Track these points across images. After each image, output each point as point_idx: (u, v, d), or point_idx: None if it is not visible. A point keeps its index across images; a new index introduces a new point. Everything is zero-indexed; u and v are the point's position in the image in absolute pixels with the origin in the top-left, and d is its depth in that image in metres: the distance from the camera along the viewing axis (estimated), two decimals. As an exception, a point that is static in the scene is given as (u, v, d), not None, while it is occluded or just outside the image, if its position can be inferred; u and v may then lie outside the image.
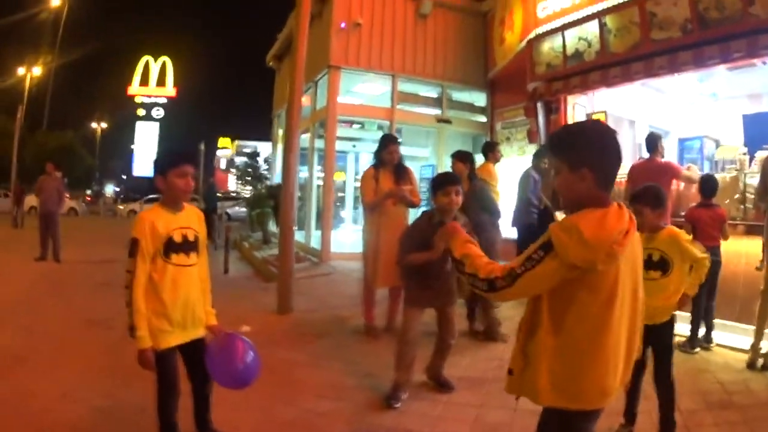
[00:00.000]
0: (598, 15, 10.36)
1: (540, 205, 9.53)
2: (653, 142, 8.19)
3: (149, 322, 3.71)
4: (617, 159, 2.52)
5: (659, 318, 4.38)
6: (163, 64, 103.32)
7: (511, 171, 11.07)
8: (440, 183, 5.17)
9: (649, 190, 4.59)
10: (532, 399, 2.57)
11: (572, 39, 11.01)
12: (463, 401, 5.23)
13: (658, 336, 4.34)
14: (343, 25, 14.01)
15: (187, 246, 3.95)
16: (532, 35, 11.96)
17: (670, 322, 4.50)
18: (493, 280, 2.43)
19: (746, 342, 6.58)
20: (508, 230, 9.28)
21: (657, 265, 4.44)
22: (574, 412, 2.47)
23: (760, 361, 6.39)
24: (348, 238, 15.82)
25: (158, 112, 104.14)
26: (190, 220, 4.03)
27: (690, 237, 4.70)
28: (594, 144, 2.48)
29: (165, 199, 3.97)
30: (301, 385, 5.48)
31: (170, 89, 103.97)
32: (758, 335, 6.48)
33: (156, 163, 4.10)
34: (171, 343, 3.86)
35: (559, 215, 8.84)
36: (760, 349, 6.46)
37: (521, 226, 9.77)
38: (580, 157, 2.44)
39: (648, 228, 4.49)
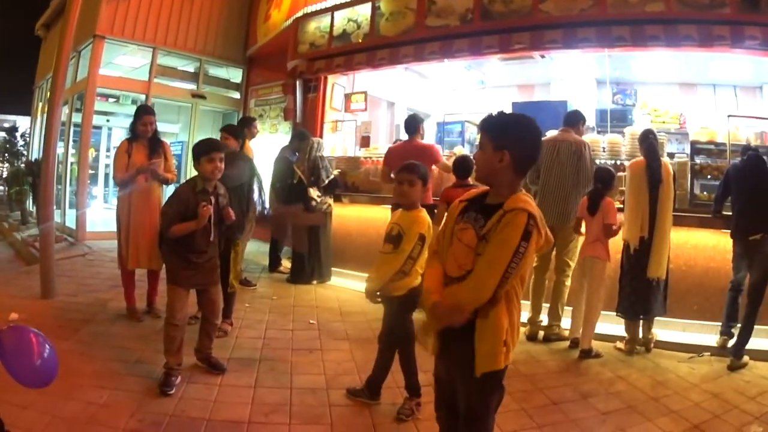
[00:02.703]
0: (372, -1, 10.30)
1: (293, 179, 9.36)
2: (414, 124, 8.11)
3: None
4: (534, 152, 2.84)
5: (397, 291, 4.43)
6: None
7: (263, 148, 10.85)
8: (205, 149, 5.01)
9: (421, 166, 4.59)
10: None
11: (341, 20, 10.98)
12: (238, 383, 5.09)
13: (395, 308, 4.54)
14: None
15: None
16: (300, 14, 11.78)
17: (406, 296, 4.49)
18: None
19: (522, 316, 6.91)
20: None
21: (394, 239, 4.42)
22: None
23: (541, 333, 6.93)
24: (100, 216, 14.69)
25: None
26: None
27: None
28: (520, 134, 2.78)
29: None
30: (78, 376, 4.93)
31: None
32: (535, 309, 7.02)
33: None
34: None
35: (313, 192, 8.96)
36: (540, 321, 7.01)
37: (281, 204, 9.56)
38: (505, 141, 2.72)
39: (411, 201, 4.50)
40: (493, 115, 2.90)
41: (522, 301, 6.20)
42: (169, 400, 4.63)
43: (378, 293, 4.49)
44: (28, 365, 3.28)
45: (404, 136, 8.65)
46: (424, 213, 4.49)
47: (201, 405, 4.58)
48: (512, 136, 2.75)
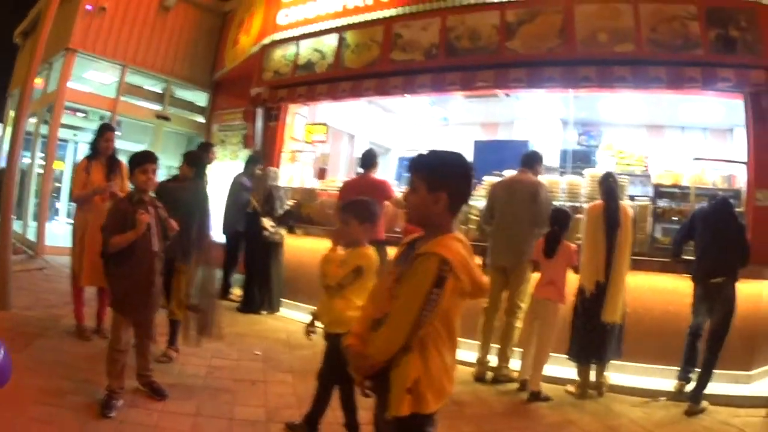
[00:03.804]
0: (340, 29, 10.33)
1: (248, 208, 9.42)
2: (370, 158, 8.05)
3: None
4: (470, 190, 2.81)
5: (338, 328, 4.27)
6: None
7: (223, 174, 10.78)
8: (138, 161, 5.08)
9: (363, 203, 4.55)
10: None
11: (306, 49, 10.88)
12: (178, 410, 5.01)
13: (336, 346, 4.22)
14: (89, 7, 12.80)
15: None
16: (267, 41, 11.69)
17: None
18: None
19: (471, 356, 6.87)
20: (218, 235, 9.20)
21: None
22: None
23: (489, 374, 6.81)
24: (62, 230, 14.50)
25: None
26: None
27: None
28: (456, 173, 2.71)
29: None
30: (21, 390, 4.73)
31: None
32: (483, 349, 6.89)
33: None
34: None
35: (267, 221, 8.90)
36: (488, 362, 6.87)
37: (232, 233, 9.77)
38: (442, 182, 2.64)
39: (349, 240, 4.48)
40: (425, 154, 2.82)
41: (470, 341, 6.06)
42: (110, 423, 4.59)
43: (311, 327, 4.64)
44: None
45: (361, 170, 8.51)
46: (369, 249, 4.45)
47: (139, 429, 4.55)
48: (450, 177, 2.68)
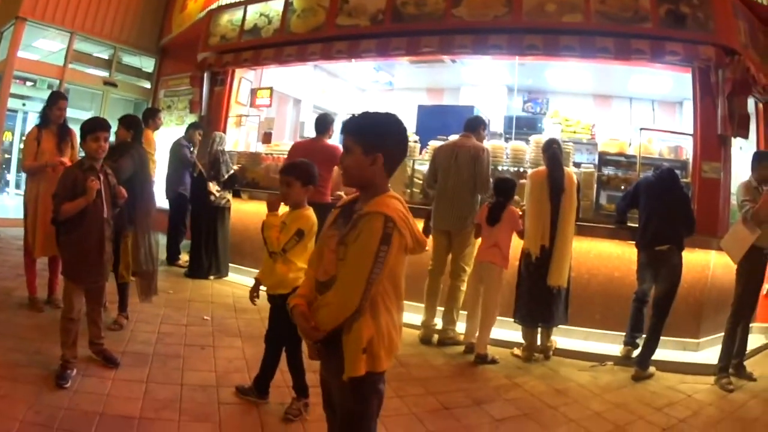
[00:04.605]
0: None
1: (194, 173, 9.41)
2: (325, 123, 7.93)
3: None
4: (405, 150, 2.90)
5: (281, 289, 4.38)
6: None
7: (169, 139, 10.50)
8: (90, 128, 4.96)
9: (304, 165, 4.59)
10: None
11: (253, 14, 10.78)
12: (130, 377, 4.98)
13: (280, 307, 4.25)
14: None
15: None
16: (214, 6, 11.58)
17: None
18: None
19: (416, 319, 6.94)
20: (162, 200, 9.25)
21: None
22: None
23: (435, 337, 6.85)
24: (12, 202, 14.42)
25: None
26: None
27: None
28: (391, 134, 2.71)
29: None
30: None
31: None
32: (429, 312, 6.93)
33: None
34: None
35: (213, 186, 8.87)
36: (435, 325, 6.91)
37: (174, 196, 9.80)
38: (377, 143, 2.62)
39: (293, 202, 4.53)
40: (358, 116, 2.80)
41: (416, 304, 6.03)
42: (65, 393, 4.55)
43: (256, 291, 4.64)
44: None
45: (310, 134, 8.58)
46: (308, 211, 4.54)
47: (95, 399, 4.51)
48: (386, 138, 2.69)
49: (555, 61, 9.10)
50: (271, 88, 11.77)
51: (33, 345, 5.48)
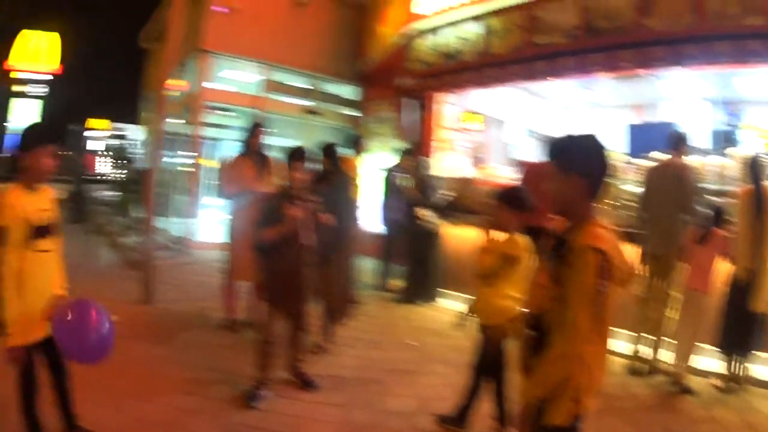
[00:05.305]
0: (481, 17, 10.38)
1: (405, 199, 9.52)
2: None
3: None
4: (608, 174, 2.62)
5: (491, 320, 4.45)
6: (46, 40, 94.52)
7: (375, 165, 10.83)
8: (289, 157, 5.23)
9: (513, 190, 4.62)
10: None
11: (450, 38, 10.93)
12: (326, 400, 5.14)
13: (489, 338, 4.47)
14: (219, 8, 13.14)
15: (47, 230, 3.58)
16: (409, 31, 11.80)
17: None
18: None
19: (626, 347, 6.72)
20: (374, 226, 9.60)
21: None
22: None
23: (643, 367, 6.51)
24: (210, 226, 15.19)
25: (37, 89, 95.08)
26: (46, 201, 3.64)
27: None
28: (594, 157, 2.59)
29: (26, 178, 3.53)
30: (165, 381, 5.25)
31: (53, 66, 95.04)
32: (640, 341, 6.62)
33: (23, 138, 3.58)
34: (37, 336, 3.57)
35: (422, 211, 8.92)
36: (645, 354, 6.56)
37: (389, 223, 9.89)
38: (577, 166, 2.55)
39: (502, 227, 4.52)
40: (559, 139, 2.75)
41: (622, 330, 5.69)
42: (254, 413, 4.77)
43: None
44: (82, 338, 3.50)
45: (516, 156, 8.42)
46: (517, 237, 4.44)
47: (284, 420, 4.70)
48: (585, 161, 2.59)
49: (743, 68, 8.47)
50: (482, 114, 11.79)
51: (228, 364, 5.81)
